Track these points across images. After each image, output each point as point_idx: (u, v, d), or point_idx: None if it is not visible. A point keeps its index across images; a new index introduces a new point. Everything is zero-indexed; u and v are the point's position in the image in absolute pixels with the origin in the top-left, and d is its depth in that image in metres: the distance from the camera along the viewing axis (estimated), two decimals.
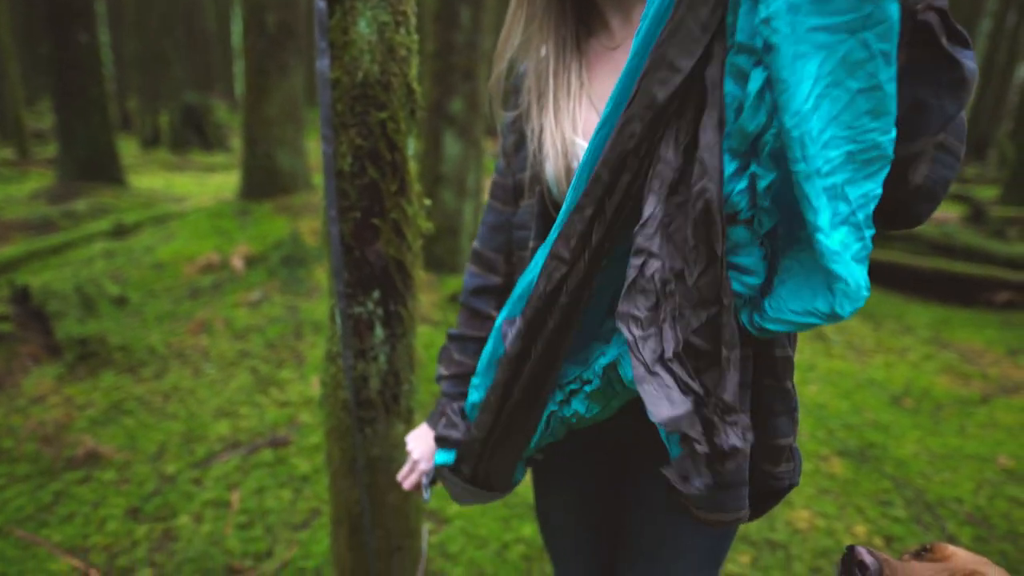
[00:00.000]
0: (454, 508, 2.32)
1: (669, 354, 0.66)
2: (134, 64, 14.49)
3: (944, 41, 0.56)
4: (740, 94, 0.59)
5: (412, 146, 1.28)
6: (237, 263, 4.46)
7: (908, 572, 0.66)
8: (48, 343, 3.34)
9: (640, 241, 0.66)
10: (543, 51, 0.89)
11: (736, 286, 0.66)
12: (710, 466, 0.67)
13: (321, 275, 4.43)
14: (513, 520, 2.27)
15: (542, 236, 0.89)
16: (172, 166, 10.34)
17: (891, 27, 0.52)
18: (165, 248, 4.75)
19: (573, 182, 0.72)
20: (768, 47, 0.55)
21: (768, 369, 0.79)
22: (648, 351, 0.67)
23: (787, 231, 0.65)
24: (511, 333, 0.81)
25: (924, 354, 4.04)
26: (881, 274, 5.55)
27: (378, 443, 1.43)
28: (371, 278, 1.29)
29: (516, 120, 0.94)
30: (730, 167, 0.61)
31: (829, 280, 0.58)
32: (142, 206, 6.39)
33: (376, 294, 1.31)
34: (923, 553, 0.71)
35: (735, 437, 0.65)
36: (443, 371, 1.05)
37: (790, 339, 0.82)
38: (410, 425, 1.50)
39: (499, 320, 0.85)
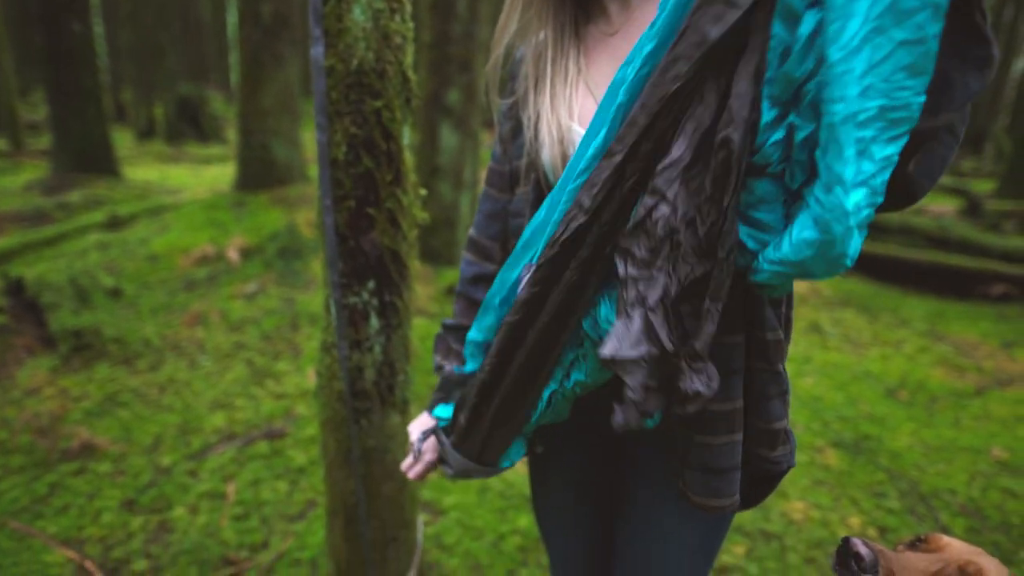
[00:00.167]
0: (450, 500, 2.32)
1: (651, 302, 0.65)
2: (129, 55, 14.37)
3: (977, 16, 0.55)
4: (788, 38, 0.56)
5: (407, 135, 1.27)
6: (233, 255, 4.44)
7: (903, 563, 0.66)
8: (42, 335, 3.33)
9: (659, 182, 0.63)
10: (541, 36, 0.88)
11: (750, 243, 0.64)
12: (673, 407, 0.68)
13: (318, 267, 4.41)
14: (509, 511, 2.27)
15: None
16: (167, 158, 10.28)
17: None
18: (160, 240, 4.73)
19: (599, 128, 0.68)
20: None
21: (760, 353, 0.79)
22: (632, 292, 0.66)
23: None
24: (527, 277, 0.77)
25: (919, 347, 4.05)
26: (877, 267, 5.56)
27: (373, 434, 1.42)
28: (366, 268, 1.29)
29: (513, 107, 0.94)
30: (768, 115, 0.59)
31: (822, 236, 0.57)
32: (137, 198, 6.36)
33: (371, 284, 1.30)
34: (918, 543, 0.71)
35: (699, 383, 0.66)
36: (440, 360, 1.04)
37: (782, 322, 0.82)
38: (406, 416, 1.49)
39: (515, 272, 0.82)
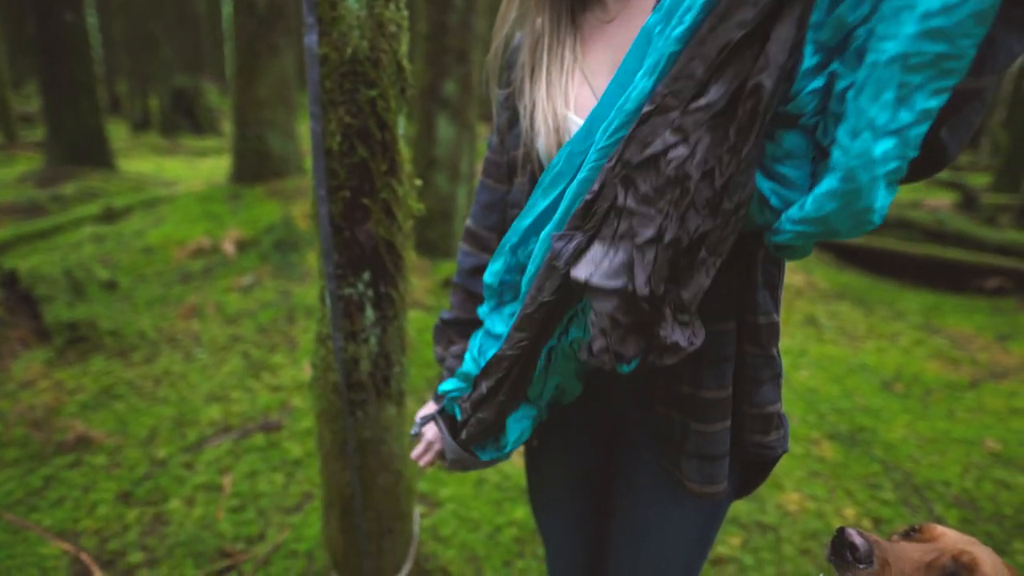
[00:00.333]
0: (446, 492, 2.32)
1: (640, 240, 0.62)
2: (123, 46, 14.27)
3: None
4: None
5: (402, 125, 1.26)
6: (228, 247, 4.42)
7: (898, 552, 0.66)
8: (37, 327, 3.31)
9: (687, 122, 0.59)
10: (537, 24, 0.88)
11: (774, 200, 0.61)
12: (650, 356, 0.65)
13: (314, 260, 4.40)
14: (505, 503, 2.27)
15: None
16: (162, 150, 10.23)
17: None
18: (155, 232, 4.70)
19: (625, 85, 0.64)
20: None
21: (752, 337, 0.79)
22: (624, 225, 0.63)
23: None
24: (570, 248, 0.69)
25: (915, 339, 4.06)
26: (873, 260, 5.58)
27: (369, 425, 1.42)
28: (361, 259, 1.28)
29: (510, 97, 0.93)
30: (810, 61, 0.55)
31: (846, 185, 0.53)
32: (132, 190, 6.33)
33: (366, 275, 1.30)
34: (912, 533, 0.71)
35: (680, 335, 0.64)
36: (442, 352, 1.04)
37: (776, 304, 0.81)
38: (402, 408, 1.49)
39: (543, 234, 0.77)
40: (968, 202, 7.19)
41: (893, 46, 0.49)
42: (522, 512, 2.22)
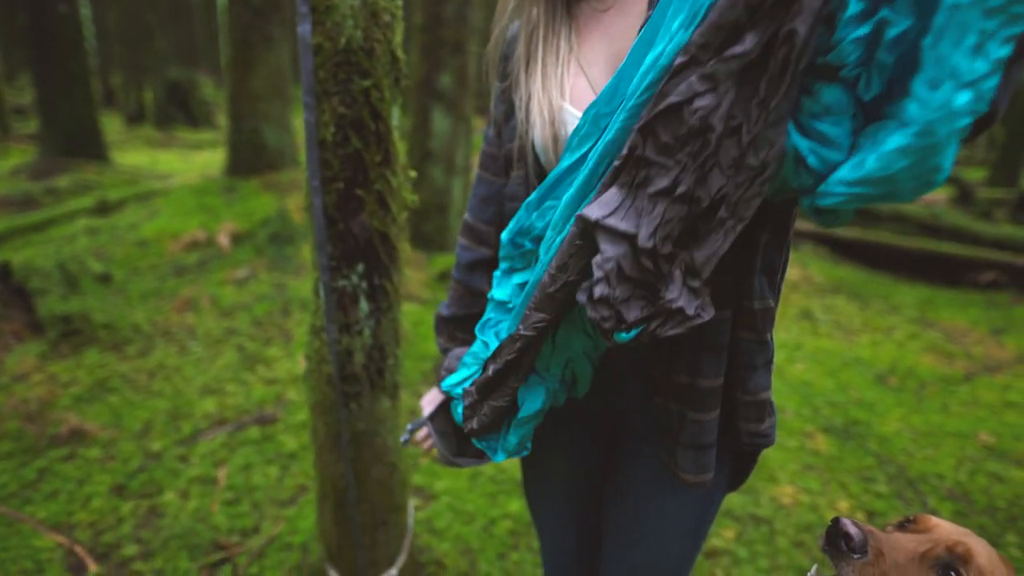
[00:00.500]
0: (441, 484, 2.32)
1: (653, 190, 0.59)
2: (117, 38, 14.16)
3: None
4: None
5: (396, 116, 1.25)
6: (223, 240, 4.40)
7: (892, 543, 0.66)
8: (30, 320, 3.29)
9: (719, 69, 0.55)
10: (533, 14, 0.87)
11: (811, 159, 0.57)
12: (653, 325, 0.61)
13: (309, 253, 4.38)
14: (500, 496, 2.27)
15: None
16: (157, 143, 10.17)
17: None
18: (149, 225, 4.68)
19: (653, 42, 0.61)
20: None
21: (747, 323, 0.78)
22: (642, 173, 0.60)
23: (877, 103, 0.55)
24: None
25: (909, 333, 4.08)
26: (869, 254, 5.59)
27: (363, 418, 1.42)
28: (355, 251, 1.27)
29: (506, 89, 0.92)
30: (855, 7, 0.51)
31: (923, 140, 0.49)
32: (126, 183, 6.29)
33: (360, 267, 1.29)
34: (907, 524, 0.71)
35: (686, 301, 0.60)
36: (445, 343, 1.04)
37: (773, 291, 0.80)
38: (395, 400, 1.49)
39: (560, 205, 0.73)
40: (964, 196, 7.20)
41: None
42: (517, 505, 2.22)
